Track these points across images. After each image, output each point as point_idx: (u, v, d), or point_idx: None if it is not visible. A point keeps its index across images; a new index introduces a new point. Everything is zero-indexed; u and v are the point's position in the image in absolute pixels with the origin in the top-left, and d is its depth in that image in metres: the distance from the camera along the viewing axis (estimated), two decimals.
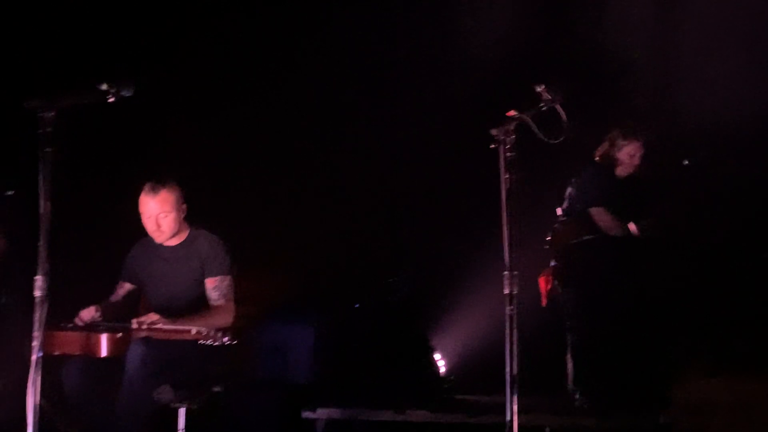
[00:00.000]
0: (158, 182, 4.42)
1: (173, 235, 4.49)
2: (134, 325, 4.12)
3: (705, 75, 6.94)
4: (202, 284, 4.47)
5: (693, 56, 7.04)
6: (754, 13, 6.79)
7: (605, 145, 5.74)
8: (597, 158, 5.79)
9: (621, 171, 5.71)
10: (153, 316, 4.16)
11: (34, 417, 3.22)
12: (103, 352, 4.07)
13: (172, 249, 4.52)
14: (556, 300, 5.76)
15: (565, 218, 5.73)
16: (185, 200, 4.53)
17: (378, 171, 7.52)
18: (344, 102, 7.39)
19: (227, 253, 4.53)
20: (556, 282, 5.66)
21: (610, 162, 5.72)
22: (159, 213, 4.39)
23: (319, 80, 7.26)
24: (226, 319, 4.41)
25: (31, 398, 3.22)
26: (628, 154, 5.68)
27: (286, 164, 7.29)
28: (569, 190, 5.83)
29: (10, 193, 5.23)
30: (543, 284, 5.75)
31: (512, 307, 3.30)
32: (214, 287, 4.46)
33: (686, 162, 5.44)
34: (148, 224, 4.44)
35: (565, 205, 5.83)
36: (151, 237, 4.50)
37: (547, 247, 5.71)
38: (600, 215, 5.52)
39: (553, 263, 5.68)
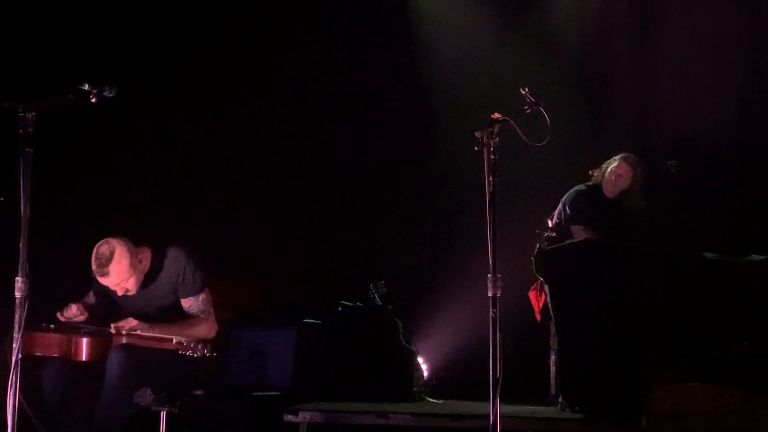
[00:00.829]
0: (104, 261, 4.19)
1: (142, 277, 4.39)
2: (113, 330, 4.08)
3: (680, 85, 7.03)
4: (175, 300, 4.45)
5: (668, 67, 7.13)
6: (721, 26, 6.90)
7: (603, 165, 5.84)
8: (591, 176, 5.91)
9: (606, 190, 5.80)
10: (132, 321, 4.12)
11: (13, 417, 3.19)
12: (84, 355, 4.04)
13: (144, 276, 4.44)
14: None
15: (553, 234, 5.77)
16: (158, 210, 4.43)
17: (361, 175, 7.54)
18: (324, 107, 7.40)
19: (198, 269, 4.44)
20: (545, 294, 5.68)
21: (600, 181, 5.84)
22: (118, 282, 4.28)
23: (294, 87, 7.27)
24: (208, 331, 4.40)
25: (11, 399, 3.20)
26: (613, 173, 5.80)
27: (267, 169, 7.29)
28: (559, 206, 5.93)
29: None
30: (534, 299, 5.77)
31: (495, 309, 3.28)
32: (190, 306, 4.44)
33: (671, 162, 5.47)
34: (114, 290, 4.33)
35: (554, 218, 5.90)
36: None
37: (533, 258, 5.70)
38: (579, 233, 5.65)
39: (540, 278, 5.69)
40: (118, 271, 4.24)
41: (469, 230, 6.80)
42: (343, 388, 6.06)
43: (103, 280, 4.29)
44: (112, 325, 4.11)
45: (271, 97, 7.24)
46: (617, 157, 5.85)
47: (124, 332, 4.08)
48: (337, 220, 7.39)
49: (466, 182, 6.39)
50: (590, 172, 5.95)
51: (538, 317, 5.78)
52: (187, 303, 4.42)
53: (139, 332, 4.09)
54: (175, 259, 4.45)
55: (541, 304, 5.75)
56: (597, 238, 5.60)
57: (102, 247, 4.25)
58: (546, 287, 5.63)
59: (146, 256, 4.44)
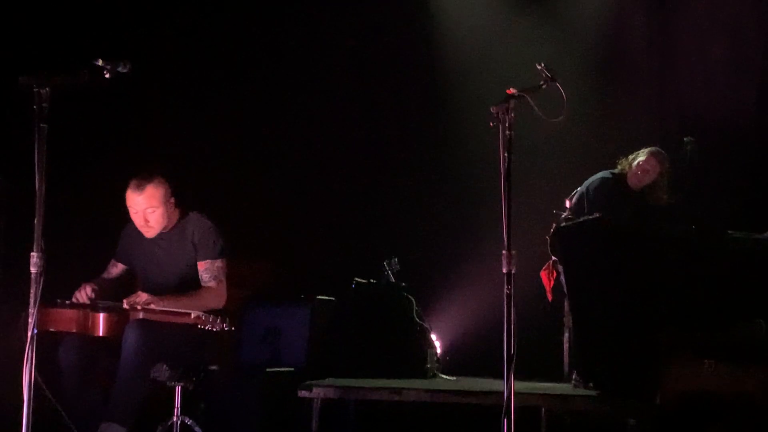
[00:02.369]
0: (143, 178, 4.35)
1: (162, 229, 4.45)
2: (125, 306, 4.10)
3: (699, 64, 6.97)
4: (193, 267, 4.46)
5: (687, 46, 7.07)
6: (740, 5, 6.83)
7: (629, 156, 5.81)
8: (617, 165, 5.88)
9: (630, 182, 5.75)
10: (143, 296, 4.14)
11: (29, 392, 3.21)
12: (101, 331, 4.06)
13: (164, 235, 4.49)
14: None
15: (570, 217, 5.73)
16: (177, 187, 4.48)
17: (375, 152, 7.53)
18: (338, 84, 7.38)
19: (219, 237, 4.50)
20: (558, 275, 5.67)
21: (626, 171, 5.80)
22: (146, 208, 4.35)
23: (308, 64, 7.24)
24: (217, 301, 4.41)
25: (27, 374, 3.22)
26: (640, 168, 5.77)
27: (281, 147, 7.29)
28: (581, 188, 5.90)
29: None
30: (546, 279, 5.76)
31: (510, 286, 3.27)
32: (205, 269, 4.46)
33: (687, 139, 5.43)
34: (136, 219, 4.40)
35: (574, 200, 5.85)
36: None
37: (549, 238, 5.70)
38: None
39: (553, 258, 5.68)
40: (152, 194, 4.33)
41: (482, 208, 6.80)
42: (357, 365, 6.09)
43: (134, 197, 4.33)
44: (125, 301, 4.12)
45: (286, 75, 7.23)
46: (645, 150, 5.80)
47: (138, 307, 4.09)
48: (352, 197, 7.39)
49: (481, 159, 6.38)
50: (618, 162, 5.88)
51: (550, 297, 5.78)
52: (203, 266, 4.45)
53: (152, 306, 4.10)
54: (199, 221, 4.52)
55: (552, 283, 5.73)
56: None
57: (144, 172, 4.39)
58: (559, 265, 5.62)
59: (175, 213, 4.50)
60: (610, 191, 5.76)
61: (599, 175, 5.87)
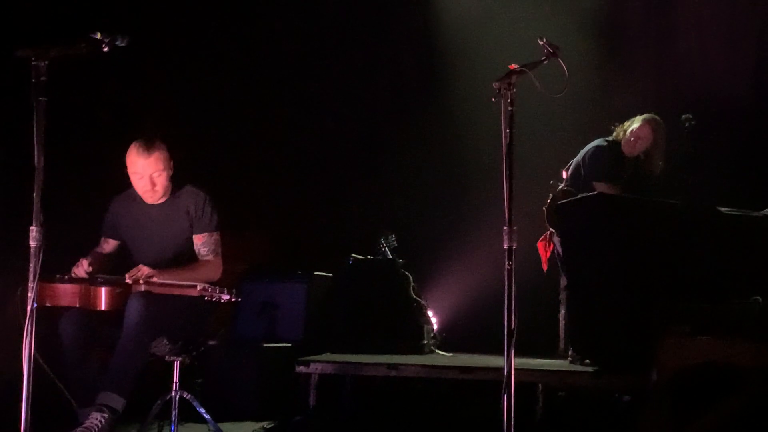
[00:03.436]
0: (149, 141, 4.32)
1: (161, 197, 4.43)
2: (127, 280, 4.09)
3: (696, 39, 6.96)
4: (188, 240, 4.45)
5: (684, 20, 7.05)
6: None
7: (624, 123, 5.76)
8: (612, 131, 5.83)
9: (624, 149, 5.72)
10: (144, 269, 4.13)
11: (29, 366, 3.21)
12: (103, 305, 4.04)
13: (158, 207, 4.46)
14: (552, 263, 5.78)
15: (567, 187, 5.72)
16: (172, 158, 4.46)
17: (372, 127, 7.51)
18: (335, 58, 7.34)
19: (214, 209, 4.48)
20: (554, 245, 5.67)
21: (619, 139, 5.76)
22: (153, 172, 4.32)
23: (305, 39, 7.22)
24: (214, 273, 4.40)
25: (27, 349, 3.21)
26: (633, 134, 5.69)
27: (277, 121, 7.27)
28: (577, 158, 5.85)
29: None
30: (542, 250, 5.75)
31: (511, 261, 3.27)
32: (203, 243, 4.44)
33: (686, 116, 5.41)
34: (141, 184, 4.35)
35: (570, 170, 5.83)
36: (140, 196, 4.43)
37: (544, 209, 5.69)
38: (601, 190, 5.50)
39: (551, 228, 5.67)
40: (158, 157, 4.31)
41: (480, 183, 6.80)
42: (354, 341, 6.11)
43: (140, 161, 4.29)
44: (127, 276, 4.11)
45: (284, 48, 7.20)
46: (640, 117, 5.74)
47: (141, 281, 4.08)
48: (349, 172, 7.38)
49: (479, 134, 6.37)
50: (613, 128, 5.86)
51: (545, 267, 5.76)
52: (200, 239, 4.43)
53: (154, 279, 4.09)
54: (194, 194, 4.49)
55: (548, 254, 5.73)
56: (620, 193, 5.53)
57: (146, 136, 4.35)
58: (556, 240, 5.63)
59: (169, 184, 4.46)
60: (605, 158, 5.72)
61: (594, 143, 5.82)
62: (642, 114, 5.78)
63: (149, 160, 4.29)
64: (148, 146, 4.30)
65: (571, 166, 5.87)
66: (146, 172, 4.31)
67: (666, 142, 5.73)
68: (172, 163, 4.41)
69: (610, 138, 5.83)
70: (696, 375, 4.02)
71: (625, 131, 5.74)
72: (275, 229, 7.07)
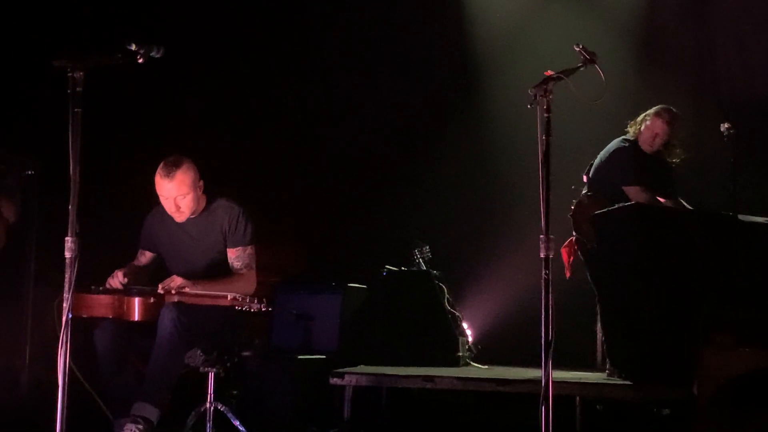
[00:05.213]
0: (172, 164, 4.29)
1: (191, 214, 4.43)
2: (160, 290, 4.10)
3: (734, 46, 6.87)
4: (222, 254, 4.43)
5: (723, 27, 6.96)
6: None
7: (638, 119, 5.65)
8: (627, 131, 5.70)
9: (643, 146, 5.62)
10: (177, 280, 4.13)
11: (64, 377, 3.22)
12: (136, 315, 4.06)
13: (192, 221, 4.45)
14: (580, 271, 5.69)
15: (590, 193, 5.63)
16: (206, 171, 4.44)
17: (406, 137, 7.49)
18: (369, 66, 7.34)
19: (249, 223, 4.45)
20: (579, 253, 5.58)
21: (637, 136, 5.63)
22: (177, 196, 4.31)
23: (338, 46, 7.21)
24: (248, 287, 4.36)
25: (62, 359, 3.22)
26: (650, 131, 5.56)
27: (312, 133, 7.28)
28: (596, 160, 5.73)
29: (30, 172, 5.25)
30: (566, 256, 5.66)
31: (548, 270, 3.22)
32: (236, 257, 4.42)
33: (725, 125, 5.32)
34: (167, 205, 4.36)
35: (591, 173, 5.73)
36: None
37: (570, 216, 5.61)
38: (638, 194, 5.38)
39: (574, 235, 5.59)
40: (182, 180, 4.28)
41: (515, 193, 6.74)
42: (388, 353, 6.08)
43: (164, 184, 4.28)
44: (160, 285, 4.12)
45: (320, 59, 7.21)
46: (651, 111, 5.58)
47: (173, 291, 4.09)
48: (382, 183, 7.37)
49: (514, 143, 6.32)
50: (627, 128, 5.73)
51: (568, 274, 5.65)
52: (234, 253, 4.41)
53: (186, 290, 4.10)
54: (228, 208, 4.47)
55: (572, 260, 5.63)
56: (653, 197, 5.43)
57: (171, 157, 4.34)
58: (579, 250, 5.52)
59: (203, 198, 4.46)
60: (632, 159, 5.54)
61: (614, 146, 5.65)
62: (653, 108, 5.64)
63: (173, 183, 4.28)
64: (171, 170, 4.27)
65: (592, 169, 5.75)
66: (170, 195, 4.31)
67: (684, 130, 5.61)
68: (201, 182, 4.39)
69: (628, 137, 5.69)
70: (749, 381, 3.93)
71: (639, 128, 5.61)
72: (309, 241, 7.07)
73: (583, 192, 5.68)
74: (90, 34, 5.50)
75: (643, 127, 5.58)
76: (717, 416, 3.91)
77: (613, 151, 5.63)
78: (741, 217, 5.07)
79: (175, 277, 4.16)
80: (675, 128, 5.57)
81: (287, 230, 6.82)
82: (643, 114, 5.64)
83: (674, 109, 5.62)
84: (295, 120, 7.15)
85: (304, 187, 7.18)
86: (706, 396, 4.43)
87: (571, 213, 5.58)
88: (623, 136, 5.69)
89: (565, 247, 5.66)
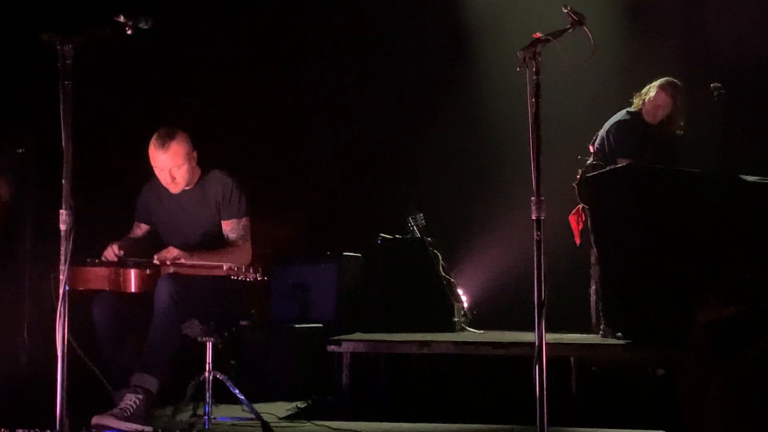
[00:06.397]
0: (166, 135, 4.30)
1: (188, 185, 4.44)
2: (156, 261, 4.11)
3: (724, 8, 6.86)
4: (216, 226, 4.44)
5: None
6: None
7: (642, 91, 5.71)
8: (632, 102, 5.79)
9: (647, 118, 5.70)
10: (173, 251, 4.14)
11: (63, 349, 3.24)
12: (133, 287, 4.07)
13: (186, 193, 4.46)
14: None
15: (595, 162, 5.69)
16: (198, 143, 4.44)
17: (398, 104, 7.48)
18: (358, 34, 7.31)
19: (243, 194, 4.45)
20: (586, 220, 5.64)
21: (640, 107, 5.73)
22: (171, 167, 4.32)
23: (328, 15, 7.18)
24: (243, 258, 4.36)
25: (60, 332, 3.24)
26: (653, 104, 5.68)
27: (305, 103, 7.26)
28: (601, 131, 5.83)
29: (20, 150, 5.25)
30: (574, 223, 5.74)
31: (540, 232, 3.24)
32: (231, 229, 4.43)
33: (714, 86, 5.34)
34: (162, 176, 4.37)
35: (596, 144, 5.81)
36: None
37: (575, 185, 5.67)
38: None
39: (582, 204, 5.66)
40: (176, 151, 4.29)
41: (508, 160, 6.75)
42: (384, 320, 6.13)
43: (159, 156, 4.29)
44: (155, 256, 4.13)
45: (308, 28, 7.18)
46: (655, 84, 5.69)
47: (168, 263, 4.11)
48: (375, 152, 7.37)
49: (504, 108, 6.32)
50: (632, 99, 5.81)
51: (578, 241, 5.75)
52: (228, 225, 4.42)
53: (182, 261, 4.11)
54: (221, 180, 4.46)
55: (580, 227, 5.71)
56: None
57: (165, 128, 4.34)
58: (587, 213, 5.59)
59: (197, 170, 4.46)
60: (630, 132, 5.69)
61: (617, 117, 5.80)
62: (658, 80, 5.71)
63: (167, 154, 4.29)
64: (165, 141, 4.28)
65: (597, 140, 5.84)
66: (165, 167, 4.32)
67: (686, 102, 5.67)
68: (195, 153, 4.40)
69: (632, 109, 5.78)
70: (724, 326, 3.98)
71: (643, 100, 5.71)
72: (304, 211, 7.09)
73: (588, 161, 5.75)
74: (79, 6, 5.46)
75: (646, 99, 5.72)
76: (697, 360, 3.95)
77: (614, 123, 5.77)
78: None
79: (171, 248, 4.17)
80: (677, 100, 5.68)
81: (282, 200, 6.83)
82: (647, 86, 5.74)
83: (678, 82, 5.72)
84: (289, 89, 7.12)
85: (298, 156, 7.18)
86: (700, 356, 4.48)
87: (575, 182, 5.65)
88: (627, 108, 5.79)
89: (573, 214, 5.75)
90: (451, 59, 7.49)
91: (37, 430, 3.49)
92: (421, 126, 7.41)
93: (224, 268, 4.02)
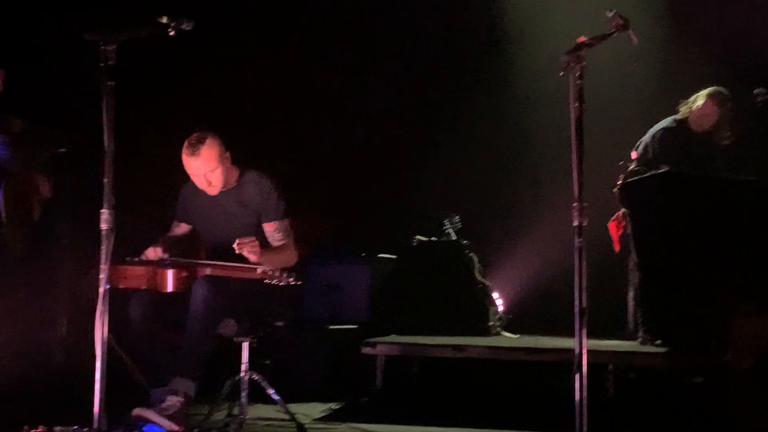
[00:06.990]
0: (197, 141, 4.30)
1: (225, 186, 4.45)
2: (235, 246, 4.10)
3: None
4: (253, 227, 4.43)
5: None
6: None
7: (689, 99, 5.68)
8: (678, 110, 5.77)
9: (692, 126, 5.66)
10: (256, 243, 4.15)
11: (103, 348, 3.26)
12: (170, 287, 4.09)
13: (224, 195, 4.47)
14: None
15: (637, 168, 5.65)
16: (234, 144, 4.44)
17: (435, 106, 7.45)
18: (396, 37, 7.28)
19: (280, 195, 4.46)
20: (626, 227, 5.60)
21: (687, 116, 5.71)
22: (205, 171, 4.33)
23: (362, 13, 7.16)
24: (294, 258, 4.43)
25: (99, 330, 3.26)
26: (700, 112, 5.66)
27: (342, 102, 7.25)
28: (645, 137, 5.80)
29: (62, 150, 5.29)
30: (614, 230, 5.70)
31: (581, 239, 3.20)
32: (275, 230, 4.44)
33: (759, 90, 5.28)
34: (198, 182, 4.39)
35: (639, 150, 5.77)
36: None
37: (616, 190, 5.62)
38: None
39: (623, 209, 5.60)
40: (208, 156, 4.30)
41: (546, 162, 6.70)
42: (418, 323, 6.10)
43: (191, 162, 4.31)
44: (237, 240, 4.13)
45: (344, 27, 7.16)
46: (704, 92, 5.66)
47: (245, 251, 4.10)
48: (411, 153, 7.34)
49: (544, 110, 6.26)
50: (678, 107, 5.76)
51: (617, 248, 5.73)
52: (271, 227, 4.43)
53: (255, 250, 4.12)
54: (258, 182, 4.48)
55: (620, 233, 5.67)
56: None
57: (195, 133, 4.36)
58: (627, 219, 5.54)
59: (234, 170, 4.47)
60: (674, 140, 5.67)
61: (662, 124, 5.77)
62: (706, 89, 5.67)
63: (200, 160, 4.31)
64: (196, 147, 4.29)
65: (640, 146, 5.80)
66: (199, 172, 4.34)
67: (733, 112, 5.62)
68: (228, 154, 4.40)
69: (678, 117, 5.76)
70: None
71: (690, 108, 5.69)
72: (339, 212, 7.08)
73: (630, 167, 5.72)
74: (122, 7, 5.50)
75: (694, 107, 5.70)
76: (753, 384, 3.89)
77: (659, 129, 5.76)
78: None
79: (254, 238, 4.18)
80: (724, 110, 5.65)
81: (317, 201, 6.84)
82: (695, 95, 5.71)
83: (726, 92, 5.68)
84: (325, 90, 7.12)
85: (333, 157, 7.18)
86: (741, 364, 4.42)
87: (617, 187, 5.62)
88: (673, 116, 5.76)
89: (612, 221, 5.71)
90: (489, 59, 7.44)
91: (76, 427, 3.50)
92: (459, 127, 7.38)
93: (258, 271, 4.03)
